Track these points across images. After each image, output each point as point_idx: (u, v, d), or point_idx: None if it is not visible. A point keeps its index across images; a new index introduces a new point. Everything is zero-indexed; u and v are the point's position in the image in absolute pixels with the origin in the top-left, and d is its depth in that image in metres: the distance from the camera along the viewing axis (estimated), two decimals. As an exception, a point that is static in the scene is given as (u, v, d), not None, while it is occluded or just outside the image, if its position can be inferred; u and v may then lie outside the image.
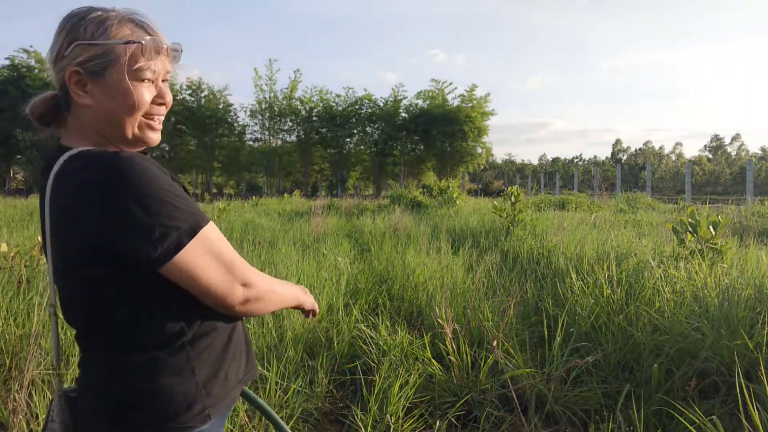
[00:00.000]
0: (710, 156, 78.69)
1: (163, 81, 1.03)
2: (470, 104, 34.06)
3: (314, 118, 35.11)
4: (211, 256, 0.93)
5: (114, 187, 0.85)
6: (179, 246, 0.88)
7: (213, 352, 0.99)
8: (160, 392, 0.92)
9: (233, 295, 0.96)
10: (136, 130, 1.00)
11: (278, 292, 1.09)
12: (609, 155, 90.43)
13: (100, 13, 0.98)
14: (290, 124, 35.85)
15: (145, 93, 0.99)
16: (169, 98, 1.05)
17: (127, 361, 0.93)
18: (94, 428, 0.96)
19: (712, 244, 3.86)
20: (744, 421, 1.84)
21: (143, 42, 0.97)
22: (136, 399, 0.93)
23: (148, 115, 1.01)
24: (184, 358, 0.95)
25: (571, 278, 3.54)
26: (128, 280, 0.90)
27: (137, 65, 0.97)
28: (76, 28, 0.96)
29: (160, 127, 1.05)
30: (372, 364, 2.78)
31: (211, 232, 0.94)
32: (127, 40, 0.97)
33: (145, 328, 0.93)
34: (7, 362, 2.50)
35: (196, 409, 0.95)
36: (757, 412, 1.80)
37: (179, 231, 0.89)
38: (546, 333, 2.81)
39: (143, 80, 0.99)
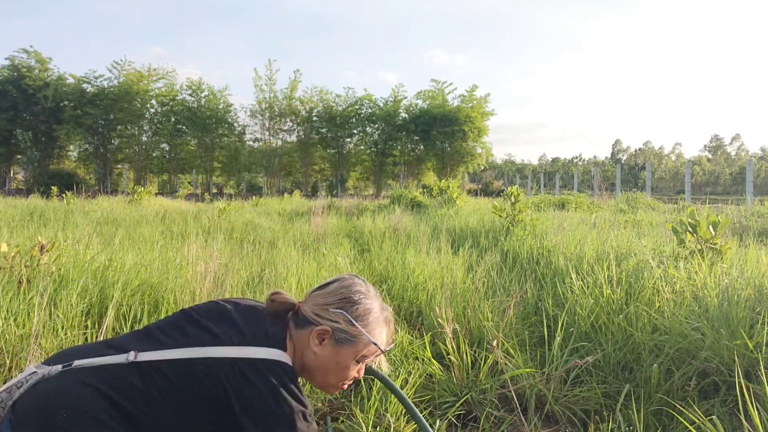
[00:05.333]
0: (710, 156, 78.69)
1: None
2: (470, 104, 34.02)
3: (314, 118, 35.04)
4: None
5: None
6: None
7: None
8: None
9: None
10: (328, 386, 1.34)
11: None
12: (609, 155, 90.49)
13: (369, 304, 1.30)
14: (290, 124, 35.82)
15: (353, 373, 1.32)
16: (360, 375, 1.39)
17: None
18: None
19: (711, 244, 3.86)
20: (744, 421, 1.84)
21: (383, 349, 1.30)
22: None
23: (342, 382, 1.33)
24: None
25: (571, 278, 3.54)
26: None
27: (366, 358, 1.30)
28: (350, 304, 1.27)
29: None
30: (372, 363, 2.78)
31: None
32: (373, 341, 1.28)
33: None
34: (8, 362, 2.50)
35: None
36: (756, 412, 1.80)
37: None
38: (546, 333, 2.81)
39: (359, 364, 1.31)
